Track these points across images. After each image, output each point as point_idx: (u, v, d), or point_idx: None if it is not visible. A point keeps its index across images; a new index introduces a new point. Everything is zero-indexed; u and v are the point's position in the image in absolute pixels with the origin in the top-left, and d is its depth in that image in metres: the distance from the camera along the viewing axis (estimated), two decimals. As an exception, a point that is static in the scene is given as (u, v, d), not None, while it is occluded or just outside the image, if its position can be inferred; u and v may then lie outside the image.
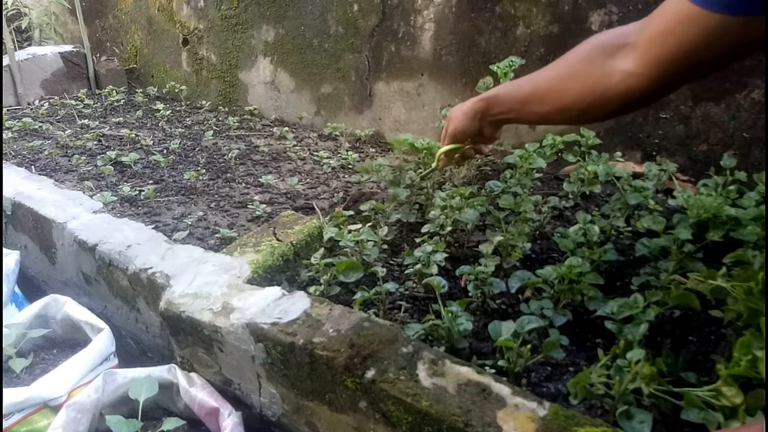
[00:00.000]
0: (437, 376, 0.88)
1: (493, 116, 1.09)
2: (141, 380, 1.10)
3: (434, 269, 1.16)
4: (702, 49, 0.74)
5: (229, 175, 1.99)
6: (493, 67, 1.57)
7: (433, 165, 1.30)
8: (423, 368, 0.89)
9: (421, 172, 1.51)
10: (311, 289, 1.18)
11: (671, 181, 1.58)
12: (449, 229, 1.31)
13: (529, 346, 0.92)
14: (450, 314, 0.99)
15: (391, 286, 1.14)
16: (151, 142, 2.29)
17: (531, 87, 0.98)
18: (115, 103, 2.90)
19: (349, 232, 1.30)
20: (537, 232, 1.40)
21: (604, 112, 0.91)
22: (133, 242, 1.38)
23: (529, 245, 1.27)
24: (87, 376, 1.19)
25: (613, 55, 0.85)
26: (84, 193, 1.71)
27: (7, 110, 2.74)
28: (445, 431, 0.82)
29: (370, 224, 1.42)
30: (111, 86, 3.06)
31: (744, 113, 1.56)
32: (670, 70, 0.78)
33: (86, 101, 2.90)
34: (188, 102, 2.97)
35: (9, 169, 1.86)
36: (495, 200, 1.43)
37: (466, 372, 0.88)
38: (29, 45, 3.54)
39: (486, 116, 1.09)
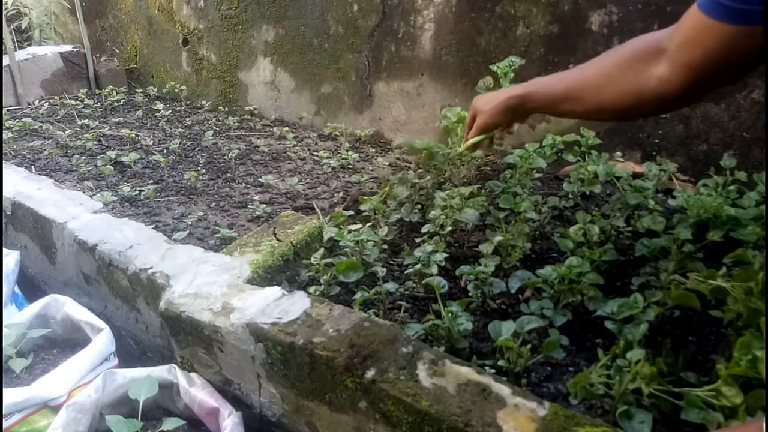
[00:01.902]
0: (437, 376, 0.88)
1: (525, 111, 1.17)
2: (141, 380, 1.10)
3: (434, 269, 1.16)
4: (722, 56, 0.79)
5: (229, 175, 1.99)
6: (493, 67, 1.57)
7: (459, 149, 1.39)
8: (423, 368, 0.89)
9: (421, 172, 1.55)
10: (311, 289, 1.18)
11: (671, 181, 1.57)
12: (449, 229, 1.31)
13: (529, 346, 0.92)
14: (450, 314, 0.99)
15: (391, 286, 1.14)
16: (151, 142, 2.29)
17: (566, 87, 1.04)
18: (115, 103, 2.89)
19: (349, 232, 1.30)
20: (537, 232, 1.40)
21: (640, 113, 1.01)
22: (133, 242, 1.38)
23: (529, 245, 1.27)
24: (87, 376, 1.19)
25: (649, 61, 0.90)
26: (84, 193, 1.71)
27: (7, 110, 2.74)
28: (445, 431, 0.82)
29: (370, 224, 1.42)
30: (111, 86, 3.06)
31: (744, 113, 1.56)
32: (698, 75, 0.84)
33: (86, 101, 2.90)
34: (188, 102, 2.97)
35: (9, 169, 1.86)
36: (495, 200, 1.43)
37: (466, 372, 0.88)
38: (29, 45, 3.54)
39: (518, 111, 1.17)
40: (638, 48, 0.94)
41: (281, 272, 1.28)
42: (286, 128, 2.47)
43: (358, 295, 1.10)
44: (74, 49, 3.10)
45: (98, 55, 3.39)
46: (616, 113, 1.00)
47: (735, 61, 0.79)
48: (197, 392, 1.11)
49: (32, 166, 2.01)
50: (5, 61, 2.81)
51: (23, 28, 3.57)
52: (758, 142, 1.56)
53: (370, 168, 2.08)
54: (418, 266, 1.18)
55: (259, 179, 1.91)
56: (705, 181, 1.45)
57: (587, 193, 1.57)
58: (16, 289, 1.53)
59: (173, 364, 1.18)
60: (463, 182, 1.65)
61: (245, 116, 2.66)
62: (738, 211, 1.21)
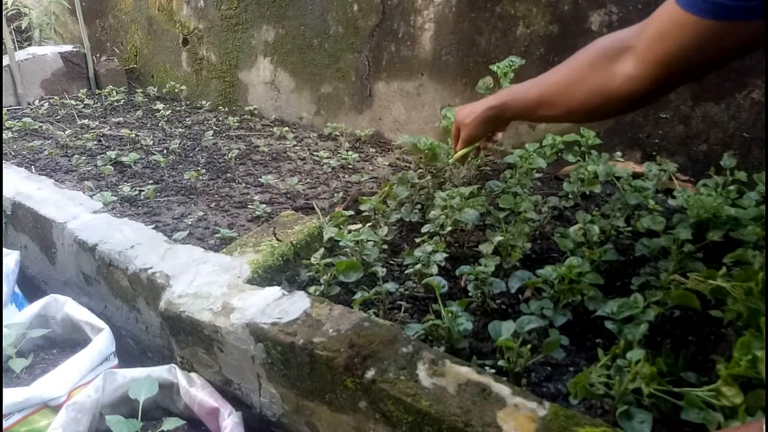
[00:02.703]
0: (437, 376, 0.88)
1: (503, 120, 1.19)
2: (141, 380, 1.10)
3: (434, 269, 1.16)
4: (696, 51, 0.79)
5: (229, 175, 1.99)
6: (493, 67, 1.57)
7: (450, 161, 1.45)
8: (423, 368, 0.89)
9: (421, 172, 1.56)
10: (311, 289, 1.18)
11: (671, 181, 1.58)
12: (449, 229, 1.31)
13: (529, 346, 0.92)
14: (450, 314, 0.99)
15: (391, 286, 1.14)
16: (151, 142, 2.29)
17: (539, 92, 1.05)
18: (115, 103, 2.89)
19: (349, 232, 1.30)
20: (537, 232, 1.40)
21: (609, 112, 1.00)
22: (133, 242, 1.38)
23: (529, 245, 1.27)
24: (87, 376, 1.19)
25: (615, 59, 0.90)
26: (84, 193, 1.71)
27: (7, 110, 2.74)
28: (445, 431, 0.82)
29: (370, 224, 1.42)
30: (111, 86, 3.06)
31: (744, 113, 1.56)
32: (669, 70, 0.83)
33: (86, 101, 2.90)
34: (188, 102, 2.97)
35: (9, 169, 1.86)
36: (495, 200, 1.43)
37: (466, 372, 0.88)
38: (29, 45, 3.54)
39: (497, 121, 1.19)
40: (602, 48, 0.94)
41: (281, 272, 1.28)
42: (286, 128, 2.47)
43: (358, 295, 1.10)
44: (74, 49, 3.10)
45: (98, 55, 3.39)
46: (587, 114, 1.00)
47: (708, 57, 0.80)
48: (197, 392, 1.11)
49: (32, 166, 2.01)
50: (5, 61, 2.81)
51: (23, 28, 3.57)
52: (758, 142, 1.56)
53: (370, 168, 2.08)
54: (418, 266, 1.18)
55: (259, 179, 1.91)
56: (705, 181, 1.45)
57: (587, 193, 1.58)
58: (16, 289, 1.53)
59: (173, 364, 1.18)
60: (463, 182, 1.65)
61: (245, 116, 2.66)
62: (738, 211, 1.21)
